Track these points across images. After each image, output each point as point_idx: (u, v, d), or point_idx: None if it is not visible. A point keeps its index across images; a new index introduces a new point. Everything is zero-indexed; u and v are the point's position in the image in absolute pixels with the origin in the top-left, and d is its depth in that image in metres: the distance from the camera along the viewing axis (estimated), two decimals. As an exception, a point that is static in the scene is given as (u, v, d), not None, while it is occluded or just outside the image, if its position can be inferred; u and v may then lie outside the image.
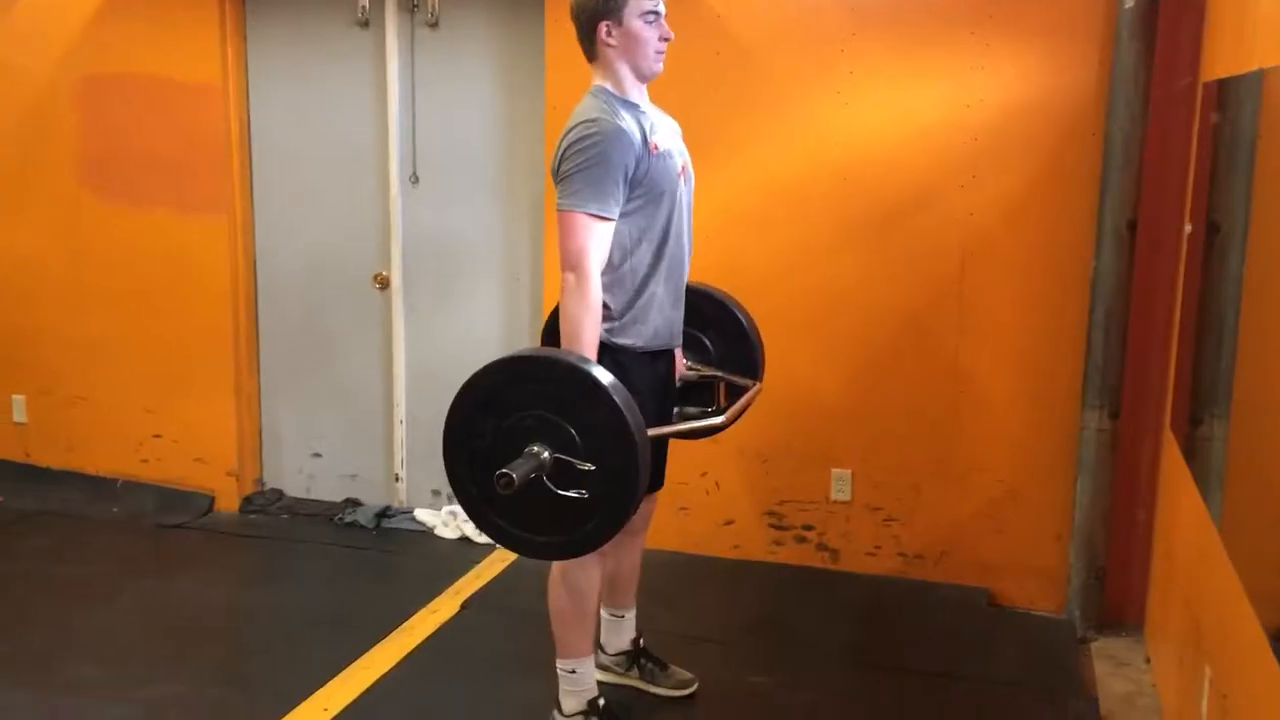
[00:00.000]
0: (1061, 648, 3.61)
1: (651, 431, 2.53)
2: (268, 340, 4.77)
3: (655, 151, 2.69)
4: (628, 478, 2.44)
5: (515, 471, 2.38)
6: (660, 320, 2.80)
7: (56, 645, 3.53)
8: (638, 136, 2.64)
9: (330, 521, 4.60)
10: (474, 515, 2.58)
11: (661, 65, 2.75)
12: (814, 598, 3.90)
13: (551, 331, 2.81)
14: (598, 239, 2.60)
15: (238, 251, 4.62)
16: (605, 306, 2.69)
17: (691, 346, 3.15)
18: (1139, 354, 3.66)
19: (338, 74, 4.50)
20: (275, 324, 4.75)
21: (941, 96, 3.74)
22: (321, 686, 3.24)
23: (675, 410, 3.13)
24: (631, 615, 3.22)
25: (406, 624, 3.67)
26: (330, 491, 4.79)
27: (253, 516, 4.69)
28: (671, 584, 3.93)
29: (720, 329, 3.23)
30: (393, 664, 3.40)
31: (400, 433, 4.65)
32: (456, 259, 4.50)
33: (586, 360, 2.52)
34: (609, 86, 2.72)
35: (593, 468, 2.43)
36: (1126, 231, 3.55)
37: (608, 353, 2.69)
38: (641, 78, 2.75)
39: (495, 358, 2.56)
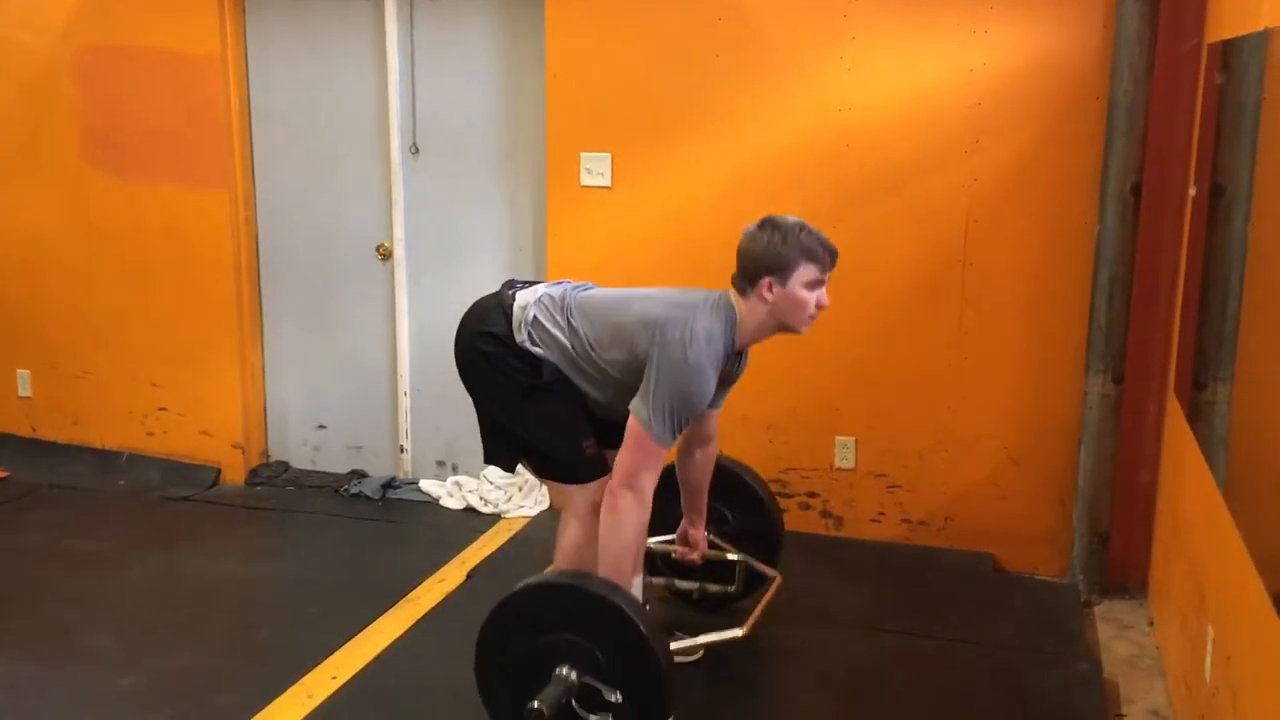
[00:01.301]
0: (1065, 611, 3.62)
1: (676, 647, 2.71)
2: (271, 313, 4.77)
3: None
4: (652, 707, 2.54)
5: (545, 704, 2.48)
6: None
7: (67, 617, 3.56)
8: (713, 389, 2.72)
9: (336, 493, 4.62)
10: None
11: (808, 328, 2.78)
12: (818, 564, 3.92)
13: (467, 330, 2.91)
14: (658, 463, 2.69)
15: (240, 224, 4.62)
16: (552, 360, 2.77)
17: (712, 518, 3.25)
18: (1143, 318, 3.65)
19: (337, 45, 4.48)
20: (279, 296, 4.75)
21: (944, 61, 3.71)
22: (330, 655, 3.27)
23: (696, 586, 3.33)
24: (639, 579, 3.23)
25: (413, 593, 3.69)
26: (335, 463, 4.80)
27: (259, 489, 4.71)
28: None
29: (743, 508, 3.36)
30: (400, 633, 3.42)
31: (405, 404, 4.66)
32: (459, 229, 4.49)
33: (617, 589, 2.60)
34: (739, 318, 2.73)
35: (619, 698, 2.52)
36: (1130, 195, 3.53)
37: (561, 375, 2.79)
38: (781, 331, 2.77)
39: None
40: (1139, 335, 3.66)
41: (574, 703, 2.54)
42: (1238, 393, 2.54)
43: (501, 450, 2.96)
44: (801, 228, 2.69)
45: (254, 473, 4.78)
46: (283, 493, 4.67)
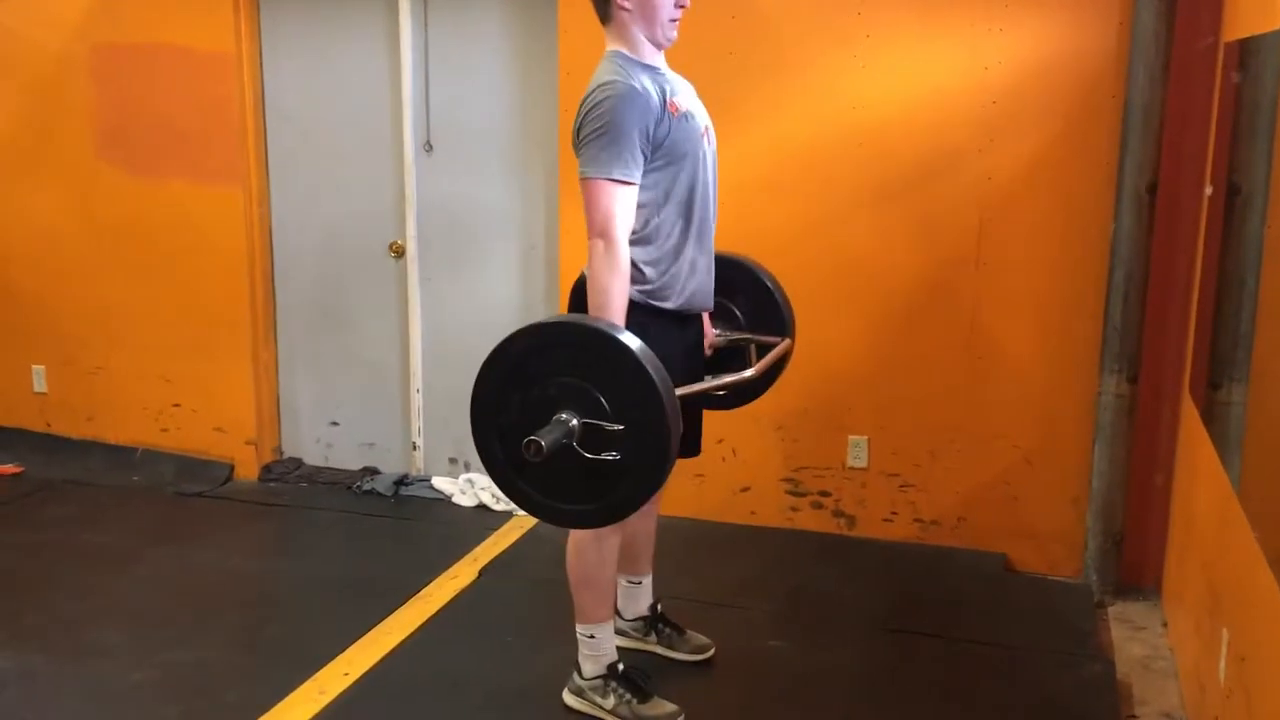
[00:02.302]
0: (1078, 612, 3.61)
1: (680, 391, 2.50)
2: (284, 310, 4.78)
3: (676, 113, 2.66)
4: (659, 439, 2.41)
5: (544, 438, 2.35)
6: (694, 283, 2.79)
7: (80, 611, 3.57)
8: (655, 98, 2.61)
9: (348, 490, 4.63)
10: (503, 485, 2.56)
11: (675, 33, 2.72)
12: (830, 564, 3.91)
13: (579, 296, 2.80)
14: (622, 204, 2.58)
15: (253, 221, 4.63)
16: (638, 270, 2.68)
17: (719, 314, 3.15)
18: (1158, 318, 3.63)
19: (351, 42, 4.49)
20: (292, 293, 4.76)
21: (959, 59, 3.70)
22: (342, 651, 3.28)
23: (707, 376, 3.10)
24: (648, 581, 3.24)
25: (425, 590, 3.70)
26: (348, 460, 4.81)
27: (272, 485, 4.72)
28: (688, 550, 3.95)
29: (746, 294, 3.22)
30: (412, 629, 3.42)
31: (417, 401, 4.67)
32: (472, 227, 4.49)
33: (612, 325, 2.50)
34: (624, 50, 2.69)
35: (621, 428, 2.40)
36: (1146, 194, 3.51)
37: (637, 315, 2.66)
38: (656, 44, 2.72)
39: (514, 326, 2.54)
40: (1154, 335, 3.64)
41: (576, 444, 2.41)
42: (1253, 393, 2.52)
43: None
44: None
45: (267, 469, 4.79)
46: (295, 489, 4.68)
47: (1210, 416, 2.98)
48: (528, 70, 4.31)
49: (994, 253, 3.78)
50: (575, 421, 2.41)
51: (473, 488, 4.51)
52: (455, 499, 4.51)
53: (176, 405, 4.84)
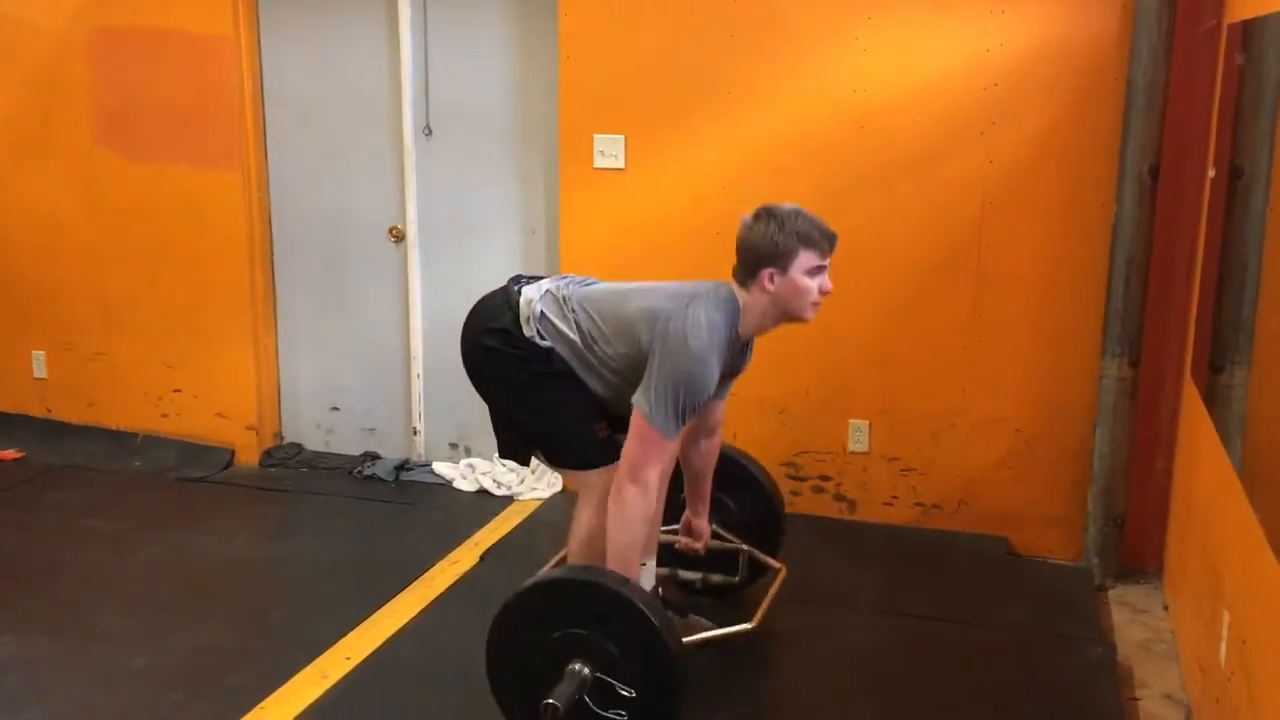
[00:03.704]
0: (1079, 595, 3.61)
1: (687, 641, 2.67)
2: (284, 295, 4.78)
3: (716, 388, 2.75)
4: (667, 695, 2.54)
5: (560, 700, 2.47)
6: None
7: (83, 596, 3.58)
8: (716, 379, 2.69)
9: (349, 475, 4.63)
10: None
11: (814, 315, 2.75)
12: (832, 548, 3.92)
13: (473, 328, 2.91)
14: (664, 456, 2.67)
15: (253, 206, 4.62)
16: (562, 353, 2.76)
17: (714, 507, 3.23)
18: (1160, 301, 3.63)
19: (350, 26, 4.46)
20: (292, 278, 4.76)
21: (961, 41, 3.68)
22: (344, 636, 3.28)
23: (699, 576, 3.31)
24: (652, 564, 3.23)
25: (426, 575, 3.70)
26: (349, 445, 4.81)
27: (273, 470, 4.72)
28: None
29: (743, 492, 3.35)
30: (413, 614, 3.43)
31: (418, 386, 4.66)
32: (471, 212, 4.48)
33: (626, 582, 2.59)
34: (740, 307, 2.72)
35: (632, 694, 2.51)
36: (1148, 177, 3.50)
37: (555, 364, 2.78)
38: (786, 321, 2.75)
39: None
40: (1156, 318, 3.64)
41: (587, 698, 2.53)
42: (1255, 377, 2.52)
43: (515, 444, 2.97)
44: (798, 214, 2.67)
45: (268, 454, 4.79)
46: (296, 474, 4.68)
47: (1212, 399, 2.97)
48: (528, 54, 4.29)
49: (996, 236, 3.77)
50: (588, 672, 2.53)
51: (473, 473, 4.51)
52: (456, 484, 4.51)
53: (177, 391, 4.83)
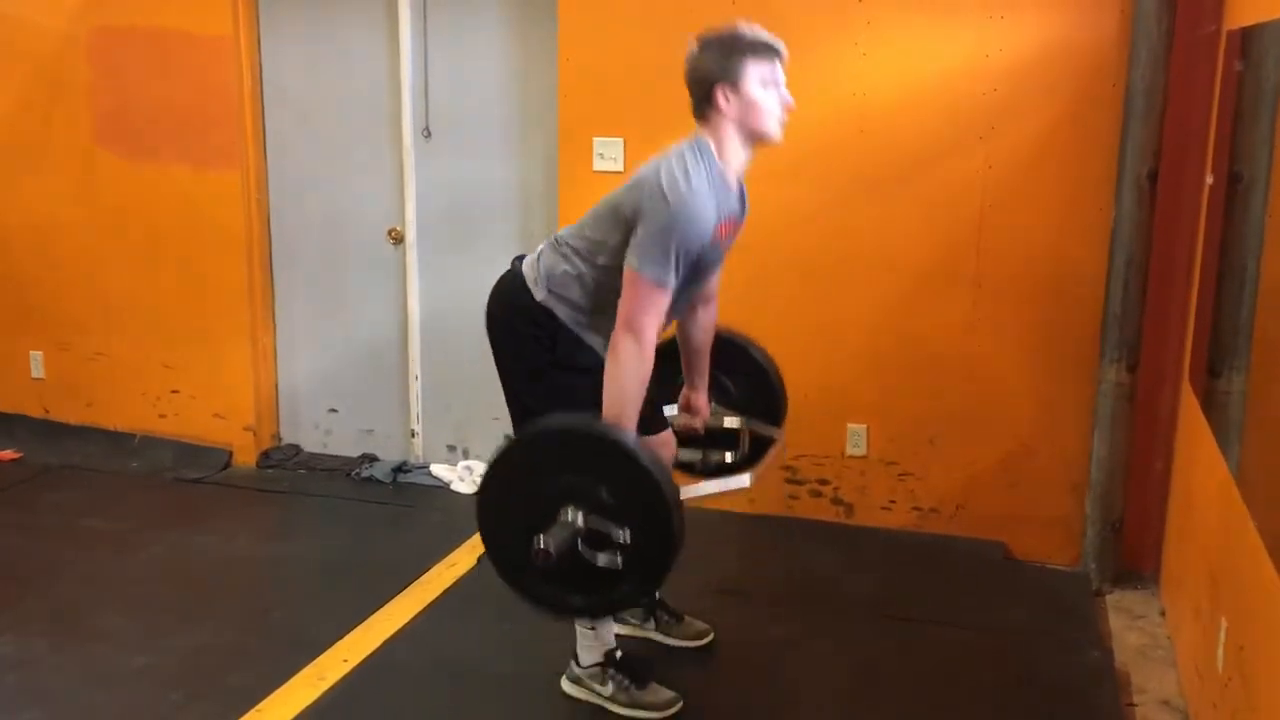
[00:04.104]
0: (1077, 600, 3.62)
1: (684, 495, 2.59)
2: (283, 296, 4.78)
3: (720, 237, 2.69)
4: (662, 543, 2.49)
5: (551, 543, 2.42)
6: None
7: (80, 596, 3.58)
8: (710, 222, 2.62)
9: (347, 476, 4.63)
10: (506, 575, 2.62)
11: (781, 133, 2.70)
12: (829, 552, 3.92)
13: (507, 298, 2.84)
14: (659, 305, 2.60)
15: (252, 206, 4.62)
16: (574, 302, 2.73)
17: (712, 388, 3.17)
18: (1158, 306, 3.63)
19: (350, 27, 4.47)
20: (290, 279, 4.76)
21: (960, 46, 3.69)
22: (341, 638, 3.28)
23: (700, 455, 3.21)
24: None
25: (424, 577, 3.70)
26: (347, 447, 4.81)
27: (270, 471, 4.72)
28: (687, 538, 3.94)
29: (741, 374, 3.26)
30: (411, 616, 3.43)
31: (416, 388, 4.66)
32: (470, 213, 4.48)
33: (619, 430, 2.54)
34: (711, 147, 2.67)
35: (628, 537, 2.46)
36: (1147, 182, 3.51)
37: (576, 343, 2.75)
38: (756, 142, 2.70)
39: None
40: (1154, 323, 3.64)
41: (581, 544, 2.48)
42: (1253, 381, 2.52)
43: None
44: (736, 28, 2.63)
45: (265, 455, 4.79)
46: (294, 476, 4.68)
47: (1210, 404, 2.98)
48: (527, 57, 4.29)
49: (994, 240, 3.78)
50: (581, 519, 2.47)
51: (471, 475, 4.50)
52: (454, 486, 4.51)
53: (175, 391, 4.83)
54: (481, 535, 2.63)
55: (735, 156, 2.69)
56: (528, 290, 2.77)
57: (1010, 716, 2.96)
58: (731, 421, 3.20)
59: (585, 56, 4.06)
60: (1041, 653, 3.25)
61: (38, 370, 5.03)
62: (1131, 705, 3.04)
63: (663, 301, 2.60)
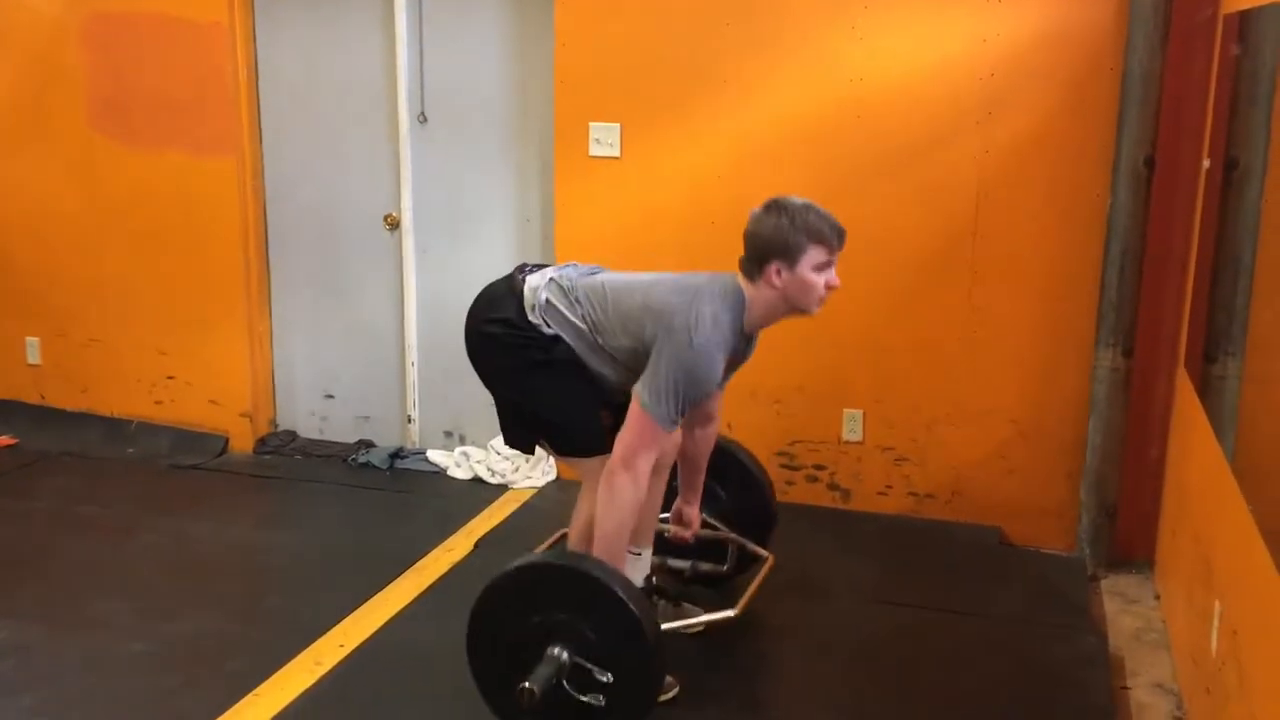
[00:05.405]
0: (1072, 585, 3.63)
1: (667, 628, 2.69)
2: (279, 282, 4.77)
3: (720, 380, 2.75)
4: (644, 684, 2.55)
5: (536, 683, 2.49)
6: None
7: (77, 582, 3.58)
8: (722, 369, 2.68)
9: (344, 462, 4.63)
10: (490, 701, 2.68)
11: (819, 309, 2.74)
12: (825, 537, 3.92)
13: (490, 307, 2.87)
14: (658, 444, 2.68)
15: (247, 192, 4.61)
16: (563, 337, 2.77)
17: (705, 496, 3.22)
18: (1154, 292, 3.63)
19: (345, 12, 4.45)
20: (286, 265, 4.75)
21: (957, 31, 3.68)
22: (338, 623, 3.29)
23: (689, 565, 3.31)
24: (648, 554, 3.24)
25: (421, 562, 3.71)
26: (343, 433, 4.81)
27: (267, 457, 4.72)
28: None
29: (735, 484, 3.34)
30: (407, 601, 3.43)
31: (412, 374, 4.66)
32: (467, 200, 4.47)
33: (608, 568, 2.61)
34: (745, 301, 2.70)
35: (610, 679, 2.52)
36: (1144, 168, 3.51)
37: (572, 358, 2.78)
38: (791, 314, 2.74)
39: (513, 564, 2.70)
40: (1150, 309, 3.64)
41: (565, 683, 2.54)
42: (1248, 367, 2.53)
43: (520, 433, 2.96)
44: (809, 209, 2.66)
45: (262, 442, 4.79)
46: (290, 462, 4.68)
47: (1205, 390, 2.98)
48: (523, 41, 4.28)
49: (991, 226, 3.78)
50: (566, 657, 2.54)
51: (468, 460, 4.51)
52: (450, 472, 4.51)
53: (171, 378, 4.83)
54: (471, 666, 2.71)
55: (762, 320, 2.76)
56: (523, 310, 2.79)
57: (1004, 700, 2.97)
58: (723, 537, 3.30)
59: (582, 41, 4.05)
60: (1036, 637, 3.26)
61: (34, 356, 5.03)
62: (1125, 689, 3.05)
63: (661, 441, 2.69)
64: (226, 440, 4.78)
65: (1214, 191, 3.06)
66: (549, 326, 2.77)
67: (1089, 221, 3.66)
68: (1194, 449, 3.14)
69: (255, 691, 2.93)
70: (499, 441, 4.41)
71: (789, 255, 2.63)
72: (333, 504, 4.29)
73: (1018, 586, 3.60)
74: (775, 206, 2.67)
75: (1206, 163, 3.31)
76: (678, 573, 3.35)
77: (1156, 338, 3.66)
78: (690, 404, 2.67)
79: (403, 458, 4.62)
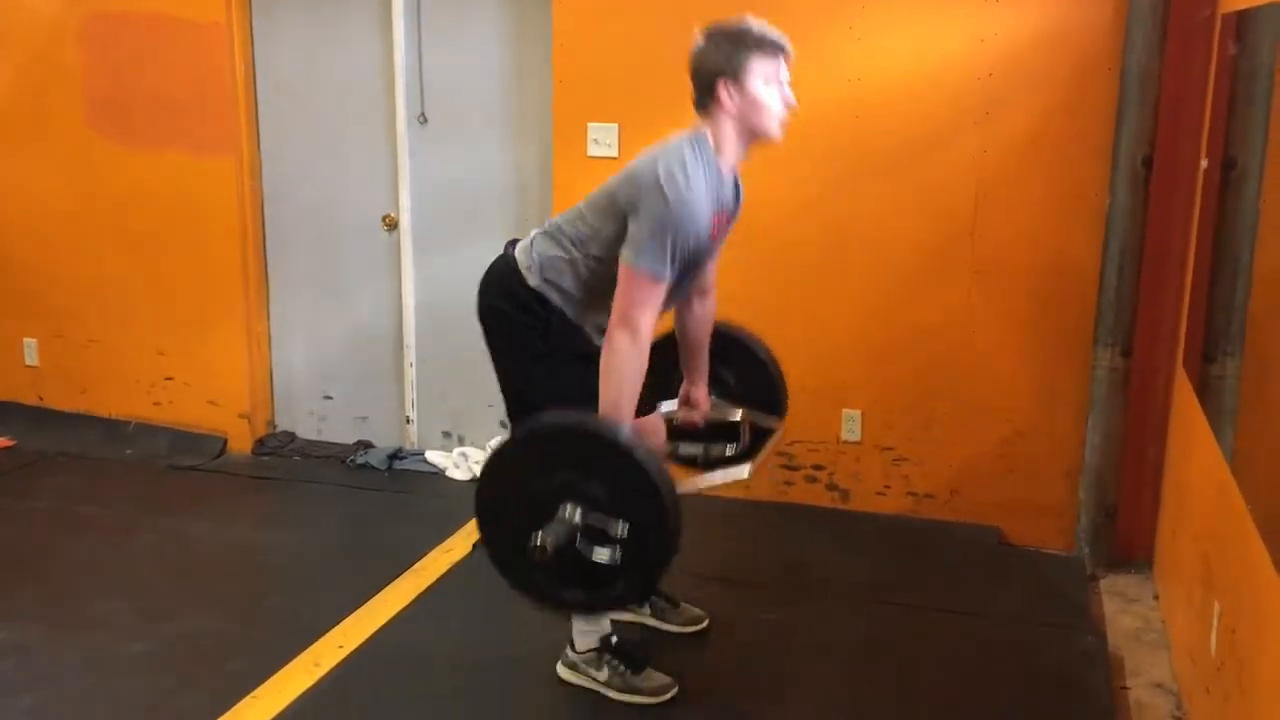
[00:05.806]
0: (1071, 585, 3.63)
1: (681, 490, 2.57)
2: (277, 282, 4.77)
3: (713, 233, 2.68)
4: (660, 539, 2.49)
5: (549, 540, 2.42)
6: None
7: (76, 583, 3.58)
8: (707, 217, 2.61)
9: (342, 463, 4.63)
10: (506, 573, 2.61)
11: (782, 133, 2.68)
12: (824, 537, 3.93)
13: (500, 281, 2.83)
14: (655, 299, 2.59)
15: (246, 193, 4.61)
16: (568, 289, 2.73)
17: (712, 381, 3.14)
18: (1152, 291, 3.64)
19: (343, 12, 4.45)
20: (285, 266, 4.74)
21: (956, 30, 3.68)
22: (337, 624, 3.28)
23: (701, 450, 3.17)
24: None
25: (420, 563, 3.70)
26: (342, 434, 4.81)
27: (265, 458, 4.72)
28: (683, 523, 3.95)
29: (741, 366, 3.23)
30: (407, 602, 3.43)
31: (411, 375, 4.66)
32: (465, 200, 4.47)
33: (616, 426, 2.53)
34: (710, 142, 2.65)
35: (625, 532, 2.45)
36: (1142, 167, 3.51)
37: (571, 329, 2.75)
38: (755, 140, 2.68)
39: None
40: (1148, 308, 3.64)
41: (579, 540, 2.47)
42: (1247, 367, 2.53)
43: (523, 418, 2.94)
44: (744, 20, 2.61)
45: (260, 442, 4.79)
46: (289, 463, 4.68)
47: (1204, 390, 2.98)
48: (522, 41, 4.28)
49: (989, 225, 3.78)
50: (579, 516, 2.46)
51: (466, 461, 4.51)
52: (449, 472, 4.51)
53: (169, 378, 4.83)
54: (480, 532, 2.62)
55: (733, 152, 2.68)
56: (520, 276, 2.76)
57: (1003, 700, 2.97)
58: (732, 414, 3.18)
59: (580, 42, 4.05)
60: (1035, 637, 3.26)
61: (31, 358, 5.02)
62: (1124, 688, 3.05)
63: (658, 295, 2.59)
64: (225, 441, 4.77)
65: (1212, 191, 3.06)
66: (545, 281, 2.73)
67: (1088, 221, 3.66)
68: (1193, 448, 3.14)
69: (254, 693, 2.92)
70: (497, 442, 4.40)
71: (733, 69, 2.58)
72: (331, 505, 4.29)
73: (1017, 586, 3.60)
74: (710, 31, 2.63)
75: (1205, 162, 3.31)
76: (689, 459, 3.20)
77: (1155, 337, 3.67)
78: (681, 252, 2.57)
79: (401, 458, 4.62)
